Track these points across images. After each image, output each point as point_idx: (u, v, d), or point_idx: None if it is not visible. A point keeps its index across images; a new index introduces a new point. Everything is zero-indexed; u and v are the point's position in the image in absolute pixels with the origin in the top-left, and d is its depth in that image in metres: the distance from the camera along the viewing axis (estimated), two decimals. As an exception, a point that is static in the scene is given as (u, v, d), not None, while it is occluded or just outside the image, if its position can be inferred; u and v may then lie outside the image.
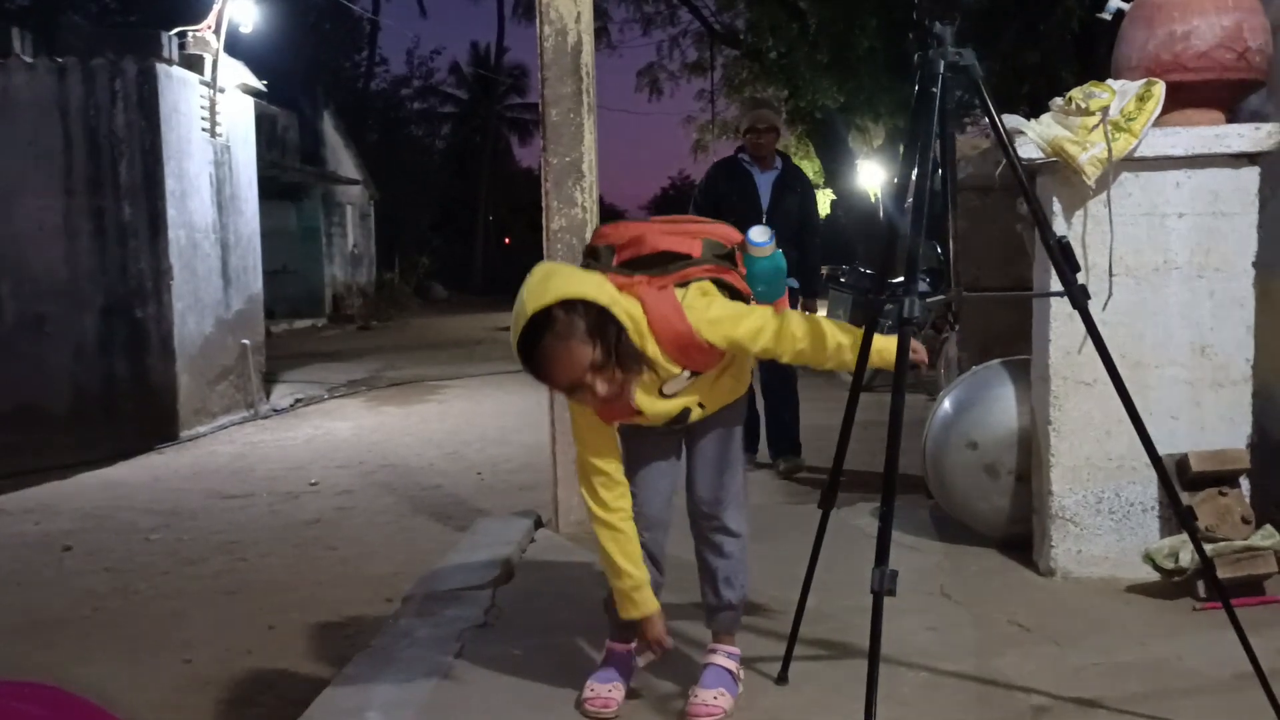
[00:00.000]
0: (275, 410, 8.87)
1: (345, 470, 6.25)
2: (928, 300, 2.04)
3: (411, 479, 5.94)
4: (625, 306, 2.08)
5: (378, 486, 5.76)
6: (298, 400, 9.39)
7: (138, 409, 7.43)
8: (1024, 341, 3.44)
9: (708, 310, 2.14)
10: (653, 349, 2.13)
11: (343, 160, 23.50)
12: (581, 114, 3.90)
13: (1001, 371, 3.57)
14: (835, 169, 18.52)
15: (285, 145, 19.39)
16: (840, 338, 2.20)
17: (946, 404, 3.69)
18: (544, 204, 3.96)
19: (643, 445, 2.40)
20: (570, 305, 1.99)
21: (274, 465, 6.48)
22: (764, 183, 5.45)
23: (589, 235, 3.96)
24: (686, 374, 2.22)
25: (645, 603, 2.27)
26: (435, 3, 48.51)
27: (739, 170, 5.50)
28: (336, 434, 7.67)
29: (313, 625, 3.51)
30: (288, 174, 19.06)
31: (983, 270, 3.96)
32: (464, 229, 36.87)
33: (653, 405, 2.23)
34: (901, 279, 2.04)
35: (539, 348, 2.00)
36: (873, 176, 18.98)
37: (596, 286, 2.04)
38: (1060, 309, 3.13)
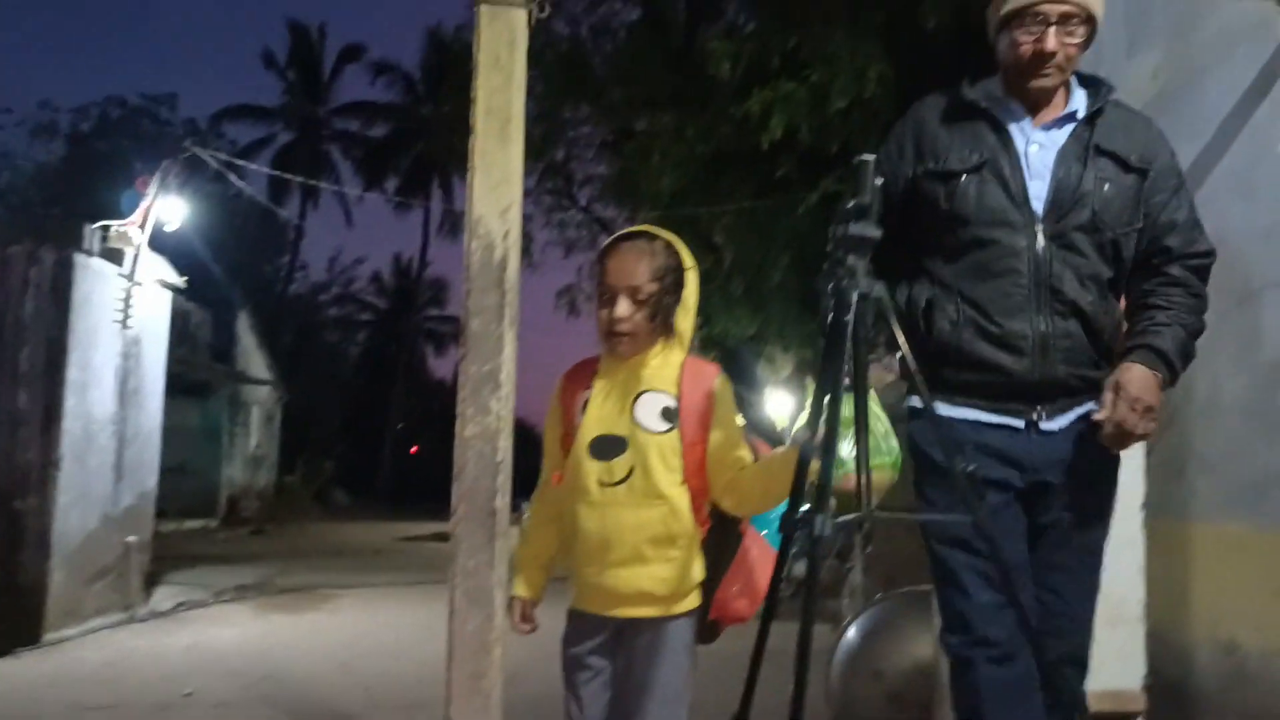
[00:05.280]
0: (155, 613, 8.38)
1: (224, 681, 5.86)
2: (839, 520, 2.05)
3: (295, 691, 5.60)
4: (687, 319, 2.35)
5: (258, 699, 5.41)
6: (180, 604, 8.90)
7: (1, 609, 6.94)
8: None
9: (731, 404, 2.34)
10: (673, 366, 2.33)
11: (254, 360, 23.32)
12: (503, 326, 3.97)
13: (906, 601, 3.58)
14: (743, 397, 18.98)
15: (196, 342, 19.23)
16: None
17: (851, 632, 3.67)
18: (459, 411, 3.95)
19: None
20: (672, 250, 2.33)
21: (147, 673, 6.05)
22: (1043, 145, 2.38)
23: (501, 443, 3.96)
24: (670, 402, 2.28)
25: (515, 584, 2.49)
26: (362, 213, 50.48)
27: (979, 114, 2.41)
28: (219, 641, 7.25)
29: None
30: (196, 371, 18.82)
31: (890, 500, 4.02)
32: (373, 435, 36.49)
33: (603, 409, 2.31)
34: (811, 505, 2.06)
35: (630, 242, 2.32)
36: (781, 405, 19.46)
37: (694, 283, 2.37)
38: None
